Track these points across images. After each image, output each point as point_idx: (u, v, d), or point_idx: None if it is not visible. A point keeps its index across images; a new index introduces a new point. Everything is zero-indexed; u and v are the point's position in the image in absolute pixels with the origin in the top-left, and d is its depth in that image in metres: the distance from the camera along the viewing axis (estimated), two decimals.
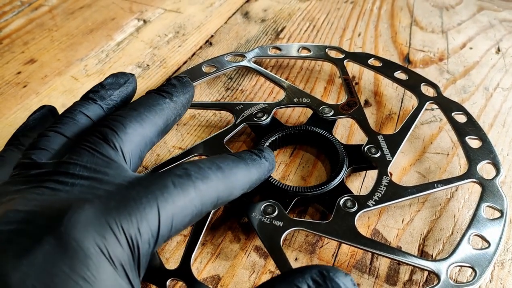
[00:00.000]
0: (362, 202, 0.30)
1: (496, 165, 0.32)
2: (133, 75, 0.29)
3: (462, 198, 0.33)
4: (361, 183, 0.34)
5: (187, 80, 0.30)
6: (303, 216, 0.32)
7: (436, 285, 0.26)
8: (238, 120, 0.36)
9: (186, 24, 0.52)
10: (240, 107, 0.37)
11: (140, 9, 0.54)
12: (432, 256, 0.30)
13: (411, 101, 0.41)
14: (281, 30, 0.51)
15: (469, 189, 0.34)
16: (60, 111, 0.29)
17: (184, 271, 0.27)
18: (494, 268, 0.29)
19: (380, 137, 0.35)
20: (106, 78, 0.28)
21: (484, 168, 0.32)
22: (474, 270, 0.27)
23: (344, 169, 0.32)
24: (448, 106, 0.37)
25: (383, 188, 0.31)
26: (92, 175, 0.22)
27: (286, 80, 0.41)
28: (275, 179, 0.31)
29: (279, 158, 0.36)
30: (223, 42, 0.49)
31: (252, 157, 0.27)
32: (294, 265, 0.29)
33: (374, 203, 0.30)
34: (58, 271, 0.17)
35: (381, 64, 0.41)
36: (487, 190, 0.31)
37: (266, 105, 0.37)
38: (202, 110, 0.40)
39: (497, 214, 0.30)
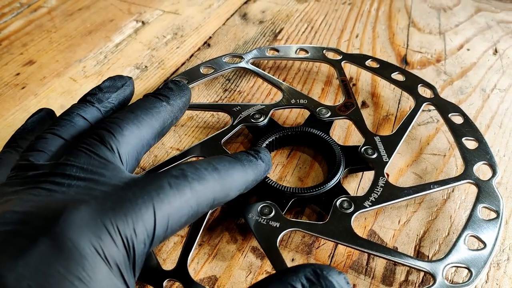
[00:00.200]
0: (358, 203, 0.30)
1: (493, 166, 0.32)
2: (130, 78, 0.30)
3: (458, 199, 0.33)
4: (358, 184, 0.34)
5: (184, 84, 0.30)
6: (300, 217, 0.32)
7: (432, 285, 0.26)
8: (236, 121, 0.36)
9: (185, 26, 0.52)
10: (237, 108, 0.37)
11: (139, 11, 0.55)
12: (428, 256, 0.30)
13: (408, 102, 0.41)
14: (279, 32, 0.51)
15: (466, 190, 0.34)
16: (59, 112, 0.29)
17: (181, 271, 0.27)
18: (490, 269, 0.29)
19: (377, 138, 0.35)
20: (103, 81, 0.29)
21: (481, 169, 0.33)
22: (470, 270, 0.27)
23: (341, 170, 0.32)
24: (445, 107, 0.37)
25: (380, 189, 0.31)
26: (88, 176, 0.22)
27: (283, 81, 0.41)
28: (272, 180, 0.32)
29: (276, 159, 0.36)
30: (221, 43, 0.49)
31: (249, 158, 0.27)
32: (291, 265, 0.29)
33: (370, 204, 0.30)
34: (53, 272, 0.17)
35: (379, 66, 0.42)
36: (483, 191, 0.31)
37: (264, 106, 0.37)
38: (199, 111, 0.40)
39: (493, 215, 0.30)
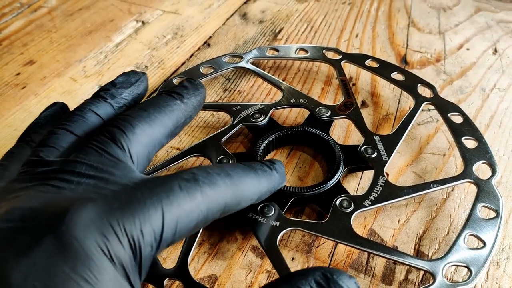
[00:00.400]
0: (358, 202, 0.30)
1: (492, 166, 0.32)
2: (144, 74, 0.29)
3: (458, 198, 0.33)
4: (358, 183, 0.34)
5: (199, 82, 0.29)
6: (300, 216, 0.32)
7: (432, 284, 0.26)
8: (236, 121, 0.36)
9: (185, 26, 0.52)
10: (237, 108, 0.37)
11: (139, 11, 0.55)
12: (428, 255, 0.30)
13: (408, 102, 0.41)
14: (279, 31, 0.51)
15: (465, 189, 0.34)
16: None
17: (181, 270, 0.27)
18: (490, 268, 0.29)
19: (376, 138, 0.35)
20: (117, 77, 0.28)
21: (480, 169, 0.33)
22: (469, 269, 0.27)
23: (340, 169, 0.32)
24: (444, 107, 0.37)
25: (379, 188, 0.31)
26: (98, 174, 0.21)
27: (283, 81, 0.42)
28: None
29: (276, 158, 0.36)
30: (221, 43, 0.49)
31: (263, 168, 0.26)
32: (291, 264, 0.29)
33: (370, 203, 0.30)
34: (59, 271, 0.17)
35: (378, 65, 0.42)
36: (483, 190, 0.31)
37: (264, 106, 0.37)
38: (200, 110, 0.40)
39: (493, 214, 0.30)
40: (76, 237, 0.18)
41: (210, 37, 0.50)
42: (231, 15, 0.54)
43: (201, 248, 0.30)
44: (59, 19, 0.53)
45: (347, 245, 0.28)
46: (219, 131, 0.35)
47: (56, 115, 0.28)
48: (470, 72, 0.45)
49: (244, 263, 0.29)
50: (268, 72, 0.43)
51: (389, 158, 0.33)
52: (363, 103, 0.41)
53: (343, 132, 0.38)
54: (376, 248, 0.28)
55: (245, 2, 0.56)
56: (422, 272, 0.29)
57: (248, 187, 0.25)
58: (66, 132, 0.24)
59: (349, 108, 0.37)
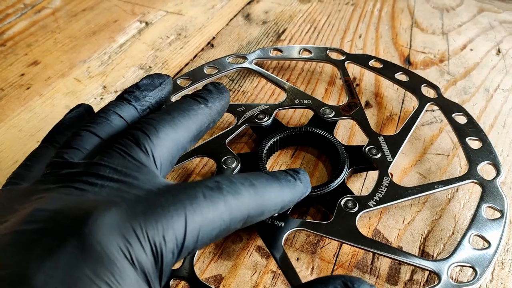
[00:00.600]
0: (363, 202, 0.30)
1: (496, 166, 0.33)
2: (169, 76, 0.29)
3: (462, 198, 0.33)
4: (362, 184, 0.34)
5: (223, 86, 0.29)
6: (305, 217, 0.32)
7: (437, 284, 0.26)
8: (240, 121, 0.36)
9: (188, 26, 0.52)
10: (241, 109, 0.37)
11: (142, 11, 0.55)
12: (432, 256, 0.30)
13: (412, 102, 0.41)
14: (282, 32, 0.51)
15: (470, 189, 0.34)
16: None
17: (187, 271, 0.27)
18: (495, 268, 0.29)
19: (380, 138, 0.35)
20: (141, 79, 0.28)
21: (485, 169, 0.33)
22: (474, 270, 0.27)
23: (345, 170, 0.33)
24: (448, 107, 0.37)
25: (384, 189, 0.31)
26: (121, 178, 0.21)
27: (287, 81, 0.42)
28: None
29: (280, 159, 0.36)
30: (224, 44, 0.49)
31: (287, 178, 0.26)
32: (296, 265, 0.29)
33: (375, 203, 0.30)
34: (81, 275, 0.17)
35: (382, 66, 0.42)
36: (488, 190, 0.31)
37: (268, 106, 0.37)
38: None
39: (498, 215, 0.30)
40: (98, 240, 0.18)
41: (214, 37, 0.51)
42: (235, 16, 0.54)
43: (206, 249, 0.30)
44: (63, 20, 0.53)
45: (352, 245, 0.28)
46: (223, 131, 0.35)
47: (81, 117, 0.28)
48: (473, 73, 0.45)
49: (249, 263, 0.29)
50: (272, 73, 0.43)
51: (393, 159, 0.33)
52: (367, 104, 0.41)
53: (347, 132, 0.38)
54: (381, 249, 0.28)
55: (248, 3, 0.56)
56: (427, 273, 0.29)
57: (271, 197, 0.24)
58: (90, 134, 0.24)
59: (353, 109, 0.37)
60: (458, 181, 0.32)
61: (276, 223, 0.29)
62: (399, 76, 0.41)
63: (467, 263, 0.27)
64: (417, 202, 0.33)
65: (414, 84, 0.40)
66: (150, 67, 0.46)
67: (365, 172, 0.35)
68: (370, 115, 0.40)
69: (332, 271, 0.29)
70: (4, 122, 0.40)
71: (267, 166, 0.35)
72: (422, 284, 0.28)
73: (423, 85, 0.39)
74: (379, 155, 0.34)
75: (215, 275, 0.29)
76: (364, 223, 0.32)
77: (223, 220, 0.22)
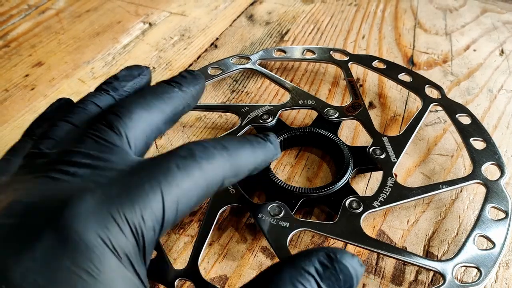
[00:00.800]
0: (367, 203, 0.30)
1: (501, 167, 0.33)
2: (147, 68, 0.29)
3: (466, 199, 0.33)
4: (366, 184, 0.34)
5: (198, 73, 0.29)
6: (309, 217, 0.32)
7: (442, 285, 0.26)
8: (244, 122, 0.36)
9: (192, 27, 0.52)
10: (245, 109, 0.37)
11: (146, 12, 0.55)
12: (437, 256, 0.30)
13: (415, 103, 0.41)
14: (286, 33, 0.51)
15: (474, 190, 0.34)
16: None
17: (192, 271, 0.27)
18: (499, 269, 0.29)
19: (385, 139, 0.35)
20: (120, 71, 0.28)
21: (489, 170, 0.33)
22: (479, 270, 0.27)
23: (349, 170, 0.33)
24: (452, 108, 0.37)
25: (388, 189, 0.31)
26: (95, 163, 0.21)
27: (291, 82, 0.42)
28: (281, 180, 0.32)
29: (284, 159, 0.36)
30: (228, 44, 0.50)
31: (257, 139, 0.27)
32: None
33: (379, 204, 0.30)
34: (60, 266, 0.17)
35: (385, 66, 0.42)
36: (492, 191, 0.31)
37: (272, 107, 0.38)
38: (208, 112, 0.40)
39: (502, 215, 0.30)
40: (76, 230, 0.18)
41: (217, 38, 0.51)
42: (238, 17, 0.54)
43: (211, 249, 0.30)
44: (67, 21, 0.53)
45: (356, 245, 0.28)
46: (227, 132, 0.36)
47: (61, 110, 0.28)
48: (477, 73, 0.45)
49: (254, 264, 0.30)
50: (275, 73, 0.43)
51: (397, 159, 0.33)
52: (371, 104, 0.41)
53: (351, 133, 0.39)
54: (386, 249, 0.28)
55: (252, 4, 0.57)
56: (432, 273, 0.29)
57: (244, 158, 0.25)
58: (66, 124, 0.24)
59: (357, 109, 0.38)
60: (462, 181, 0.32)
61: (281, 223, 0.29)
62: (403, 76, 0.41)
63: (472, 263, 0.27)
64: (422, 203, 0.33)
65: (417, 84, 0.40)
66: (154, 67, 0.46)
67: (369, 173, 0.35)
68: (374, 115, 0.40)
69: None
70: (8, 123, 0.40)
71: (271, 166, 0.35)
72: (427, 284, 0.28)
73: (426, 86, 0.39)
74: (383, 156, 0.34)
75: (220, 275, 0.29)
76: (369, 224, 0.32)
77: (200, 187, 0.22)
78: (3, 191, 0.21)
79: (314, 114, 0.38)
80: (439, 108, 0.38)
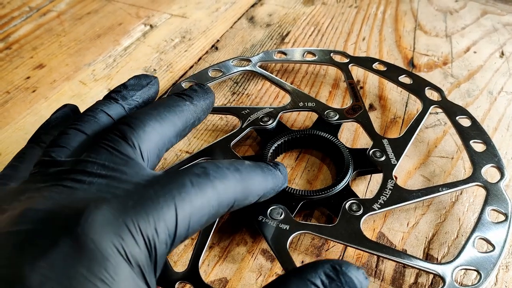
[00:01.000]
0: (367, 205, 0.30)
1: (501, 169, 0.33)
2: (155, 77, 0.29)
3: (466, 201, 0.33)
4: (366, 186, 0.34)
5: (208, 87, 0.30)
6: (309, 220, 0.32)
7: None
8: (244, 124, 0.36)
9: (192, 29, 0.53)
10: (246, 111, 0.37)
11: (147, 14, 0.55)
12: (437, 259, 0.30)
13: (416, 105, 0.41)
14: (286, 35, 0.51)
15: (474, 192, 0.34)
16: None
17: (192, 274, 0.27)
18: (499, 271, 0.29)
19: (385, 141, 0.35)
20: (129, 79, 0.29)
21: (489, 172, 0.33)
22: (479, 273, 0.27)
23: (349, 172, 0.33)
24: (452, 110, 0.37)
25: (388, 192, 0.31)
26: (109, 173, 0.22)
27: (291, 84, 0.42)
28: None
29: (284, 162, 0.36)
30: (228, 46, 0.50)
31: (268, 166, 0.27)
32: None
33: (379, 206, 0.30)
34: (76, 274, 0.17)
35: (386, 68, 0.42)
36: (492, 193, 0.31)
37: (272, 109, 0.38)
38: (208, 114, 0.40)
39: (502, 218, 0.30)
40: (92, 238, 0.18)
41: (218, 40, 0.51)
42: (238, 19, 0.54)
43: (211, 252, 0.30)
44: (68, 23, 0.53)
45: (356, 248, 0.28)
46: (228, 134, 0.36)
47: (67, 117, 0.28)
48: (477, 75, 0.45)
49: (254, 267, 0.30)
50: (276, 76, 0.43)
51: (397, 162, 0.33)
52: (371, 106, 0.42)
53: (351, 135, 0.39)
54: (386, 252, 0.28)
55: (252, 6, 0.57)
56: (431, 276, 0.29)
57: (255, 182, 0.25)
58: (77, 132, 0.24)
59: (357, 111, 0.38)
60: (462, 184, 0.32)
61: (281, 226, 0.29)
62: (403, 78, 0.41)
63: (472, 266, 0.27)
64: (422, 205, 0.33)
65: (418, 86, 0.40)
66: (154, 69, 0.47)
67: (370, 175, 0.35)
68: (374, 117, 0.40)
69: None
70: (10, 125, 0.40)
71: None
72: (426, 287, 0.28)
73: (426, 88, 0.40)
74: (383, 158, 0.34)
75: (220, 278, 0.29)
76: (369, 226, 0.32)
77: (211, 206, 0.22)
78: (15, 198, 0.21)
79: (314, 116, 0.38)
80: (439, 110, 0.38)
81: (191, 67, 0.47)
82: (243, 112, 0.37)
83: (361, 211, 0.30)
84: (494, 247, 0.28)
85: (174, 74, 0.46)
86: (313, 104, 0.38)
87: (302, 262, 0.30)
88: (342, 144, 0.35)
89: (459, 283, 0.28)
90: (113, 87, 0.44)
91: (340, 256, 0.30)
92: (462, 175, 0.35)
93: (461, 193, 0.34)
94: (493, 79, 0.45)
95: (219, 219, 0.30)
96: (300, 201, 0.31)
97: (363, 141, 0.38)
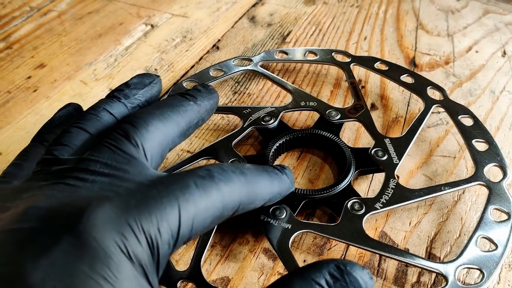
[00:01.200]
0: (369, 204, 0.30)
1: (503, 168, 0.32)
2: (158, 76, 0.29)
3: (469, 200, 0.33)
4: (368, 186, 0.34)
5: (212, 87, 0.29)
6: (311, 219, 0.32)
7: (444, 287, 0.26)
8: (246, 124, 0.36)
9: (193, 29, 0.53)
10: (247, 111, 0.37)
11: (148, 14, 0.55)
12: (439, 258, 0.30)
13: (418, 105, 0.41)
14: (288, 34, 0.51)
15: (476, 191, 0.34)
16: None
17: (194, 273, 0.27)
18: (502, 270, 0.29)
19: (387, 140, 0.35)
20: (131, 78, 0.29)
21: (491, 171, 0.33)
22: (481, 272, 0.27)
23: (351, 172, 0.33)
24: (454, 109, 0.37)
25: (390, 191, 0.31)
26: (112, 172, 0.21)
27: (292, 83, 0.42)
28: None
29: (286, 161, 0.36)
30: (230, 46, 0.50)
31: (275, 171, 0.27)
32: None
33: (381, 205, 0.30)
34: (78, 271, 0.17)
35: (387, 68, 0.42)
36: (494, 192, 0.31)
37: (274, 108, 0.38)
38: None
39: (504, 217, 0.30)
40: (94, 236, 0.18)
41: (219, 40, 0.51)
42: (240, 18, 0.54)
43: (213, 250, 0.30)
44: (69, 23, 0.53)
45: (358, 247, 0.28)
46: (229, 134, 0.35)
47: (70, 116, 0.28)
48: (479, 75, 0.45)
49: (256, 266, 0.30)
50: (277, 75, 0.43)
51: (399, 161, 0.33)
52: (373, 106, 0.41)
53: (353, 134, 0.39)
54: (388, 251, 0.28)
55: (253, 5, 0.57)
56: (434, 275, 0.29)
57: (261, 186, 0.25)
58: (79, 130, 0.24)
59: (359, 111, 0.38)
60: (465, 183, 0.32)
61: (283, 225, 0.29)
62: (405, 78, 0.41)
63: (474, 265, 0.27)
64: (424, 204, 0.33)
65: (419, 86, 0.40)
66: (156, 69, 0.46)
67: (371, 174, 0.35)
68: (376, 117, 0.40)
69: None
70: (11, 125, 0.40)
71: None
72: (429, 286, 0.28)
73: (428, 87, 0.39)
74: (385, 157, 0.34)
75: (222, 277, 0.29)
76: (371, 225, 0.32)
77: (216, 208, 0.22)
78: (18, 196, 0.21)
79: (316, 115, 0.38)
80: (441, 109, 0.38)
81: (192, 66, 0.47)
82: (244, 111, 0.37)
83: (363, 210, 0.30)
84: (497, 246, 0.28)
85: (175, 74, 0.46)
86: (315, 104, 0.38)
87: (304, 261, 0.30)
88: (344, 143, 0.35)
89: (462, 282, 0.28)
90: (114, 86, 0.44)
91: (342, 255, 0.30)
92: (464, 174, 0.35)
93: (463, 192, 0.34)
94: (495, 78, 0.45)
95: None
96: (302, 200, 0.31)
97: (365, 141, 0.38)
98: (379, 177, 0.34)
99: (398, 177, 0.33)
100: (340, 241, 0.29)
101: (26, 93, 0.44)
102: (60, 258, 0.17)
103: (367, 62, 0.43)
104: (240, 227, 0.31)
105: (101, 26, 0.53)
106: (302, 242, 0.31)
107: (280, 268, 0.29)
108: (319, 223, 0.30)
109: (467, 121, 0.36)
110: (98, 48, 0.50)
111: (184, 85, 0.39)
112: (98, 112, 0.25)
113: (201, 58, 0.48)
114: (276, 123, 0.36)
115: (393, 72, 0.41)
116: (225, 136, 0.35)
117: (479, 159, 0.33)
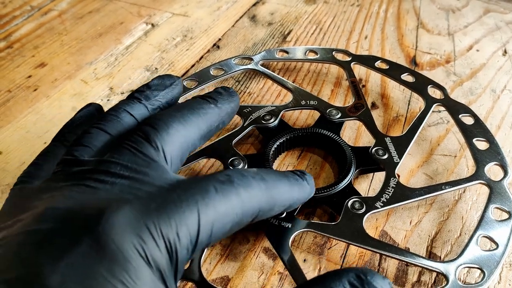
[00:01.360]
0: (370, 203, 0.30)
1: (504, 167, 0.32)
2: (179, 78, 0.29)
3: (470, 199, 0.33)
4: (369, 185, 0.34)
5: (233, 90, 0.29)
6: (311, 218, 0.32)
7: (445, 286, 0.26)
8: (246, 123, 0.36)
9: (194, 28, 0.53)
10: (248, 110, 0.37)
11: (148, 13, 0.55)
12: (440, 257, 0.30)
13: (418, 103, 0.41)
14: (288, 33, 0.51)
15: (477, 190, 0.34)
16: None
17: (194, 272, 0.27)
18: (503, 269, 0.29)
19: (387, 139, 0.35)
20: (152, 79, 0.28)
21: (492, 170, 0.32)
22: (482, 271, 0.27)
23: (351, 171, 0.33)
24: (455, 108, 0.37)
25: (391, 190, 0.31)
26: (132, 175, 0.21)
27: (293, 82, 0.42)
28: None
29: (287, 160, 0.36)
30: (230, 45, 0.50)
31: (295, 176, 0.26)
32: (303, 266, 0.29)
33: (382, 204, 0.30)
34: (96, 274, 0.17)
35: (388, 67, 0.42)
36: (495, 191, 0.31)
37: (274, 107, 0.38)
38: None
39: (505, 216, 0.30)
40: (113, 239, 0.18)
41: (220, 39, 0.51)
42: (240, 17, 0.54)
43: (213, 250, 0.30)
44: (70, 22, 0.53)
45: (359, 246, 0.28)
46: (230, 132, 0.35)
47: (91, 116, 0.28)
48: (480, 74, 0.45)
49: (256, 265, 0.29)
50: (278, 74, 0.43)
51: (400, 160, 0.33)
52: (373, 105, 0.41)
53: (353, 133, 0.38)
54: (388, 250, 0.28)
55: (254, 4, 0.57)
56: (434, 274, 0.29)
57: (281, 192, 0.25)
58: (100, 132, 0.24)
59: (359, 110, 0.37)
60: (466, 182, 0.32)
61: (283, 224, 0.29)
62: (405, 77, 0.41)
63: (475, 264, 0.27)
64: (424, 203, 0.33)
65: (420, 85, 0.40)
66: (156, 68, 0.46)
67: (372, 173, 0.35)
68: (377, 116, 0.40)
69: None
70: (11, 124, 0.40)
71: (274, 167, 0.35)
72: (429, 285, 0.28)
73: (429, 86, 0.39)
74: (386, 156, 0.33)
75: (222, 276, 0.29)
76: (371, 224, 0.32)
77: (235, 214, 0.22)
78: (37, 196, 0.21)
79: (316, 114, 0.38)
80: (442, 108, 0.38)
81: (193, 65, 0.47)
82: (245, 110, 0.37)
83: (363, 209, 0.30)
84: (497, 245, 0.28)
85: (176, 73, 0.46)
86: (315, 103, 0.38)
87: (305, 260, 0.30)
88: (345, 142, 0.35)
89: (463, 281, 0.28)
90: (114, 85, 0.44)
91: (342, 254, 0.30)
92: (465, 173, 0.35)
93: (464, 191, 0.34)
94: (496, 77, 0.45)
95: None
96: None
97: (366, 139, 0.38)
98: (380, 176, 0.34)
99: (398, 176, 0.33)
100: (340, 240, 0.29)
101: (26, 92, 0.44)
102: (79, 260, 0.17)
103: (368, 61, 0.43)
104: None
105: (102, 25, 0.53)
106: (302, 241, 0.31)
107: (280, 268, 0.29)
108: (320, 222, 0.30)
109: (468, 120, 0.36)
110: (98, 47, 0.50)
111: (184, 84, 0.39)
112: (118, 113, 0.25)
113: (201, 57, 0.48)
114: (276, 122, 0.36)
115: (393, 71, 0.41)
116: (226, 135, 0.35)
117: (479, 158, 0.33)
